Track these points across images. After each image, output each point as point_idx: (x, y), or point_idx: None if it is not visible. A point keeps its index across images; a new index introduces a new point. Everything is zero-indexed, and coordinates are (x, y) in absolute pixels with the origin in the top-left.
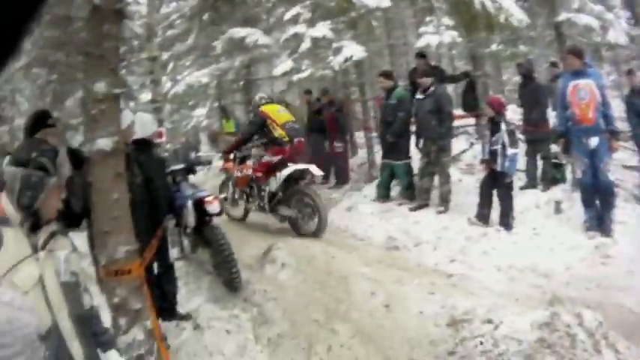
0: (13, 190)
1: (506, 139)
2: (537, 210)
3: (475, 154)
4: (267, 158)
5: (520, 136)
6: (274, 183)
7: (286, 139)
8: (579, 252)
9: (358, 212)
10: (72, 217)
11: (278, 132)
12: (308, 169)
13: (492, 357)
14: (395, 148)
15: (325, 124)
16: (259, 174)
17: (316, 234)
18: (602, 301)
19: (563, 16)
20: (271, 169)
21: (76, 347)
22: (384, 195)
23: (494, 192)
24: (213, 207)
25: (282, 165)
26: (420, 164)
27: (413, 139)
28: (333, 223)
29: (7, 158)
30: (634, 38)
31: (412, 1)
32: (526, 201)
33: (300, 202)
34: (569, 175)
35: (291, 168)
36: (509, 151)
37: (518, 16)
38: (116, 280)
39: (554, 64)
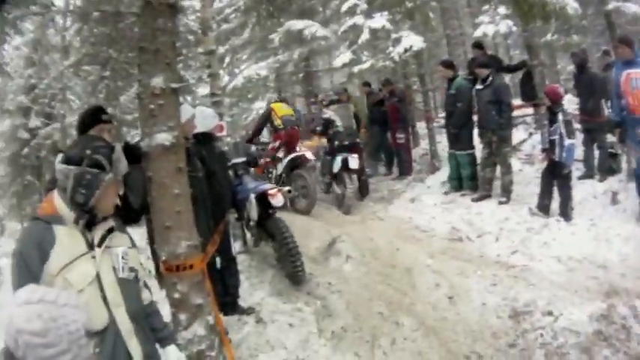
0: (65, 188)
1: (563, 129)
2: (595, 200)
3: (534, 143)
4: (270, 145)
5: (577, 125)
6: (280, 166)
7: (282, 126)
8: (634, 243)
9: (421, 203)
10: (130, 213)
11: (277, 122)
12: (304, 154)
13: (551, 349)
14: (457, 138)
15: (387, 115)
16: (268, 159)
17: (305, 211)
18: None
19: (612, 5)
20: (277, 156)
21: (134, 344)
22: (456, 186)
23: (554, 182)
24: (276, 200)
25: (286, 152)
26: (481, 155)
27: (477, 130)
28: (396, 215)
29: (60, 156)
30: None
31: None
32: (584, 191)
33: (298, 183)
34: (624, 165)
35: (292, 155)
36: (566, 141)
37: (572, 5)
38: (177, 276)
39: (606, 53)
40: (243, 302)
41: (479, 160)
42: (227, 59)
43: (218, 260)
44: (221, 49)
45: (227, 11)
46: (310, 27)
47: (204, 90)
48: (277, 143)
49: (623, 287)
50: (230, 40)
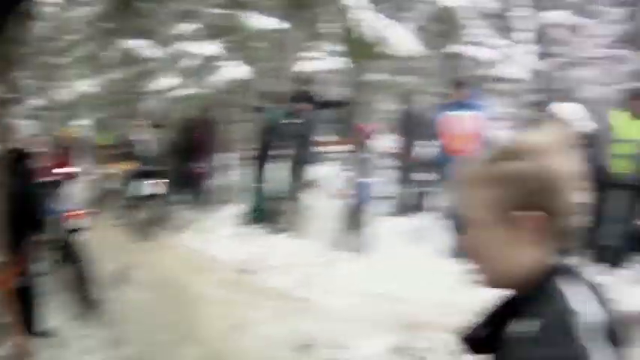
0: None
1: (364, 167)
2: (400, 236)
3: (339, 179)
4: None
5: (393, 163)
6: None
7: (60, 148)
8: (439, 277)
9: (216, 234)
10: None
11: (59, 142)
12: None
13: None
14: (260, 170)
15: (194, 143)
16: None
17: None
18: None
19: (455, 48)
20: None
21: None
22: (253, 218)
23: (354, 218)
24: (79, 222)
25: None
26: (282, 188)
27: (285, 164)
28: (191, 244)
29: None
30: (538, 72)
31: (299, 25)
32: (391, 227)
33: None
34: (435, 203)
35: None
36: (364, 180)
37: (408, 46)
38: None
39: (439, 95)
40: (41, 325)
41: (278, 194)
42: (62, 72)
43: (20, 280)
44: (59, 61)
45: (74, 23)
46: (143, 47)
47: (36, 102)
48: (52, 162)
49: (422, 321)
50: (69, 52)
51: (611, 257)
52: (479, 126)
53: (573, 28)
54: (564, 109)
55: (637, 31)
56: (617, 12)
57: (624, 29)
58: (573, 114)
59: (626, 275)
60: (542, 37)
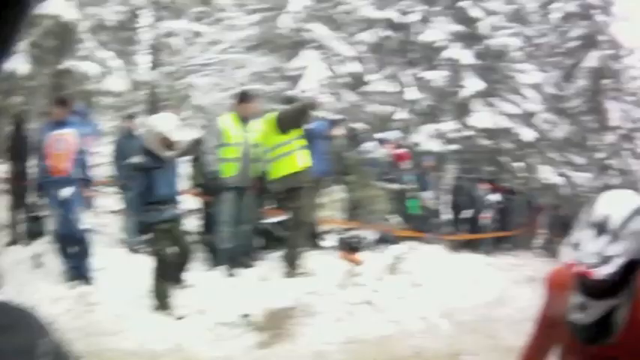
0: None
1: None
2: (20, 266)
3: None
4: None
5: (5, 188)
6: None
7: None
8: (63, 303)
9: None
10: None
11: None
12: None
13: None
14: None
15: None
16: None
17: None
18: (97, 348)
19: (64, 65)
20: None
21: None
22: None
23: None
24: None
25: None
26: None
27: None
28: None
29: None
30: (145, 83)
31: None
32: (10, 258)
33: None
34: (49, 227)
35: None
36: None
37: (13, 65)
38: None
39: (46, 114)
40: None
41: None
42: None
43: None
44: None
45: None
46: None
47: None
48: None
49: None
50: None
51: (231, 259)
52: (77, 144)
53: (192, 36)
54: (157, 119)
55: (264, 35)
56: (246, 18)
57: (250, 34)
58: (166, 124)
59: (251, 274)
60: (158, 47)
